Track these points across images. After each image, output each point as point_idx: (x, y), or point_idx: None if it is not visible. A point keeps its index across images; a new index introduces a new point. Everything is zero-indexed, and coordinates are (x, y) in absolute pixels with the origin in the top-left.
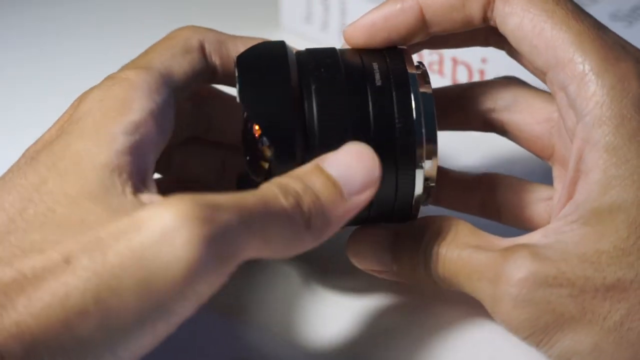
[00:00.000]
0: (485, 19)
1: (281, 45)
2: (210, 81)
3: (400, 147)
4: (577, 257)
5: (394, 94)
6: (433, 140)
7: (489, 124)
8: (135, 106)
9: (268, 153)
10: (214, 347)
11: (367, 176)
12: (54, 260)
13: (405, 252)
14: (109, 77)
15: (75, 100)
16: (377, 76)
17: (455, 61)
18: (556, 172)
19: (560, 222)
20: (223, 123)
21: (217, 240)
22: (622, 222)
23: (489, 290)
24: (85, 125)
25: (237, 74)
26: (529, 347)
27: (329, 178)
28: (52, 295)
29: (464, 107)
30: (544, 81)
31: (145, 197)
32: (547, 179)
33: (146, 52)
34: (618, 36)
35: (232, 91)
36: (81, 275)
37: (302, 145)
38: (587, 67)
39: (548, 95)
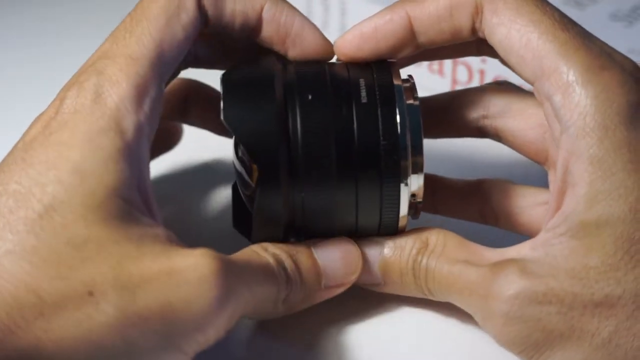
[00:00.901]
0: (474, 30)
1: (268, 60)
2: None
3: (384, 163)
4: (566, 273)
5: (379, 109)
6: (419, 155)
7: (482, 131)
8: (126, 124)
9: (254, 170)
10: (214, 347)
11: (346, 277)
12: (77, 289)
13: (394, 265)
14: (96, 72)
15: (60, 94)
16: (363, 91)
17: (455, 61)
18: (552, 177)
19: (549, 234)
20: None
21: (233, 298)
22: (609, 237)
23: (479, 306)
24: (79, 138)
25: (221, 92)
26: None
27: (315, 264)
28: (74, 325)
29: (457, 114)
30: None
31: (159, 230)
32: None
33: (139, 16)
34: (605, 44)
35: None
36: (107, 310)
37: (287, 164)
38: (571, 77)
39: None
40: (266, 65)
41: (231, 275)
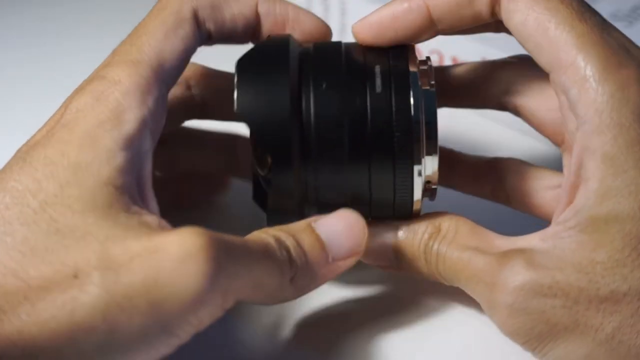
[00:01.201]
0: (494, 14)
1: (284, 44)
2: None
3: (397, 150)
4: (573, 266)
5: (393, 95)
6: (433, 141)
7: (502, 105)
8: (128, 117)
9: (268, 158)
10: (214, 347)
11: (353, 247)
12: (61, 272)
13: (407, 249)
14: (99, 77)
15: (66, 101)
16: (378, 77)
17: (455, 61)
18: (566, 161)
19: (559, 226)
20: (217, 100)
21: (225, 276)
22: (617, 233)
23: (485, 295)
24: (78, 134)
25: (235, 80)
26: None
27: (317, 239)
28: (58, 308)
29: (480, 86)
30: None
31: (149, 217)
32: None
33: (138, 32)
34: (623, 37)
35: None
36: (90, 291)
37: (299, 154)
38: (588, 73)
39: None
40: (281, 50)
41: (222, 252)
